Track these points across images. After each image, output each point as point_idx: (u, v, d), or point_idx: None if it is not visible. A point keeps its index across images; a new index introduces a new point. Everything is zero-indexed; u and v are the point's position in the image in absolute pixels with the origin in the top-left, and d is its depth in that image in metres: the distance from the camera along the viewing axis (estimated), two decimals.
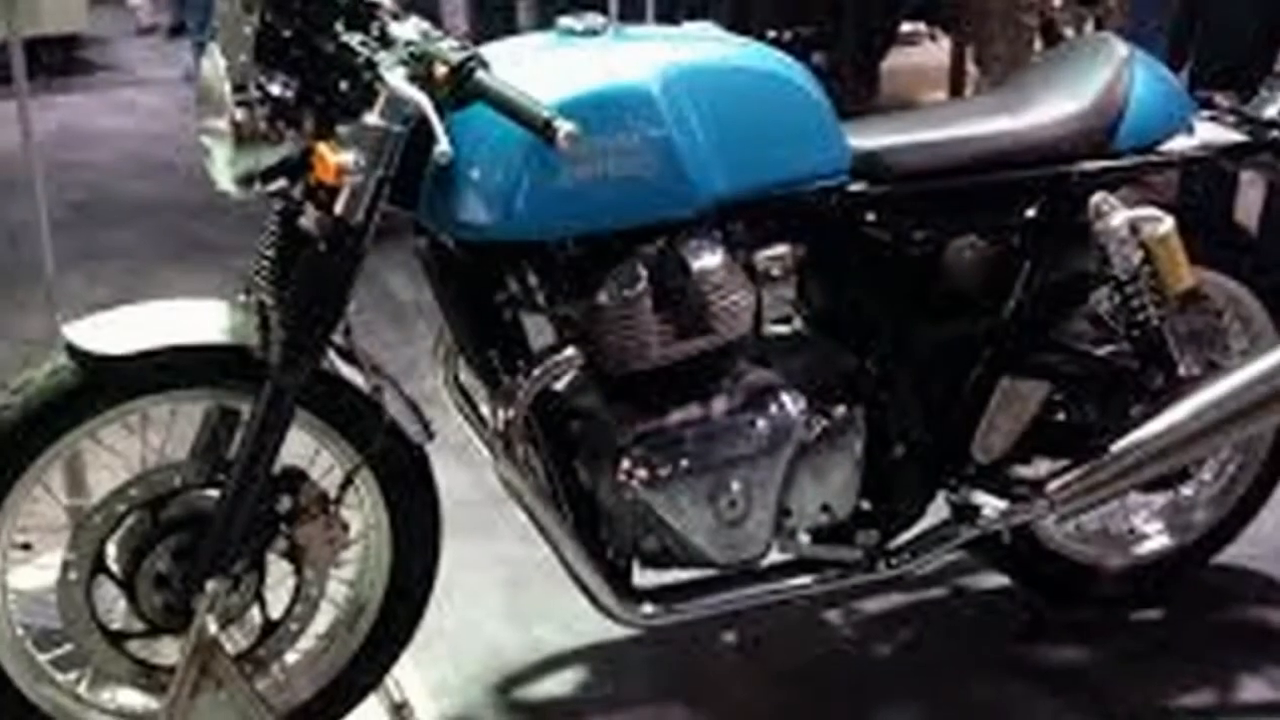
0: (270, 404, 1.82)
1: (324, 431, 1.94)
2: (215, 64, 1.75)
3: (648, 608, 2.04)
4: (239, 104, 1.72)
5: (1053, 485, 2.22)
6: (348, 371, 1.92)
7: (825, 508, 2.12)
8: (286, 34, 1.75)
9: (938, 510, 2.27)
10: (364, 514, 2.01)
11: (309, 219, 1.78)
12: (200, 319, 1.88)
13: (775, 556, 2.13)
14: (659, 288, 1.89)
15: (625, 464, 1.95)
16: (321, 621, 2.05)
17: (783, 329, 2.20)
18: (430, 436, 1.99)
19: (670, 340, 1.91)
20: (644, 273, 1.89)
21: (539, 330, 2.03)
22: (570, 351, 1.93)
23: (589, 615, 2.06)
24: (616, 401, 1.98)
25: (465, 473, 2.56)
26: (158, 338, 1.82)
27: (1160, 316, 2.28)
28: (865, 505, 2.18)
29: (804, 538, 2.14)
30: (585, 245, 1.90)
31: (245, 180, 1.78)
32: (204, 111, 1.78)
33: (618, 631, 2.23)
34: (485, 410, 2.07)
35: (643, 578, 2.08)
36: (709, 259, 1.92)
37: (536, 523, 1.99)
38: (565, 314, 1.95)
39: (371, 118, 1.72)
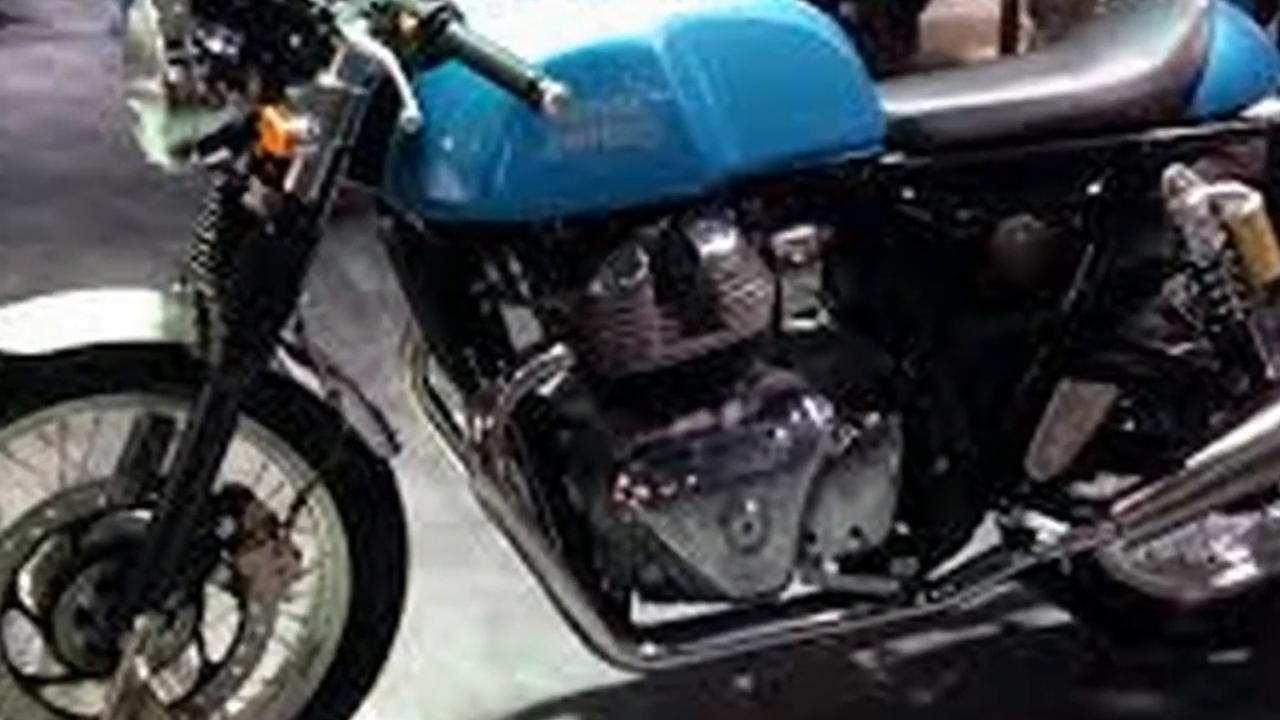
0: (210, 411, 1.82)
1: (272, 443, 1.94)
2: (146, 16, 1.75)
3: (649, 648, 2.04)
4: (174, 62, 1.73)
5: (1120, 506, 2.23)
6: (300, 374, 1.92)
7: (856, 532, 2.13)
8: None
9: (986, 535, 2.27)
10: (319, 539, 2.01)
11: (255, 196, 1.78)
12: (128, 312, 1.88)
13: (797, 589, 2.14)
14: (662, 276, 1.90)
15: (623, 481, 1.96)
16: (270, 664, 2.05)
17: (806, 324, 2.21)
18: (396, 449, 2.00)
19: (675, 337, 1.92)
20: (645, 259, 1.90)
21: (522, 326, 2.03)
22: (559, 350, 1.93)
23: (581, 657, 2.06)
24: (613, 408, 1.99)
25: (436, 491, 2.57)
26: (79, 334, 1.82)
27: (1245, 309, 2.28)
28: (902, 529, 2.19)
29: (831, 567, 2.15)
30: (576, 227, 1.91)
31: (181, 151, 1.78)
32: (133, 71, 1.79)
33: (614, 676, 2.24)
34: (460, 418, 2.07)
35: (643, 613, 2.09)
36: (720, 242, 1.92)
37: (519, 549, 2.00)
38: (553, 307, 1.96)
39: (327, 78, 1.72)
